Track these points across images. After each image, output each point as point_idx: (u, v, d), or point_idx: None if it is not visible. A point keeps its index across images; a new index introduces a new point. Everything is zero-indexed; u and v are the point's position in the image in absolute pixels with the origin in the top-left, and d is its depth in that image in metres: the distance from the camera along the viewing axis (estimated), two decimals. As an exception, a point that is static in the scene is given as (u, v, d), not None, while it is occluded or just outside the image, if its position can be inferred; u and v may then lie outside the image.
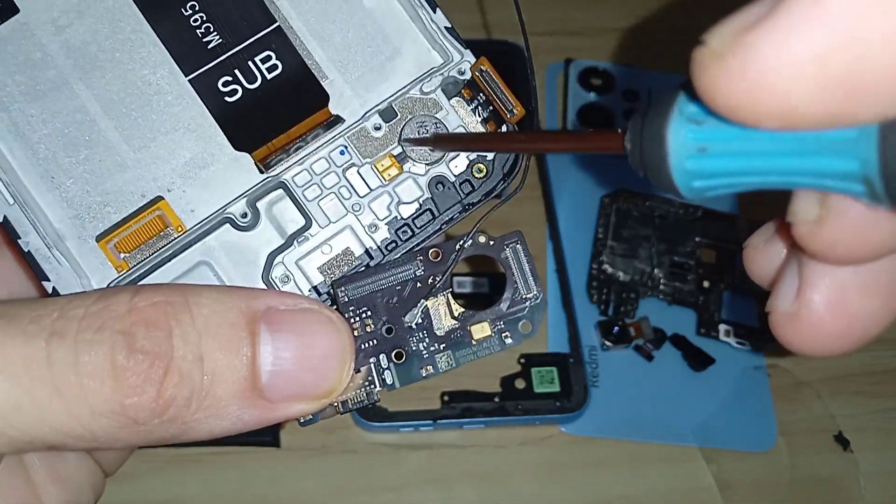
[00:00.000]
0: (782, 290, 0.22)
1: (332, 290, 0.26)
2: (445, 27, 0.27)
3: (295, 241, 0.26)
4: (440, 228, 0.27)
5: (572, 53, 0.65)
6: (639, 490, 0.53)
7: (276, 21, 0.27)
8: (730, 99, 0.16)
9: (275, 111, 0.27)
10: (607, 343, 0.56)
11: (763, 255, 0.24)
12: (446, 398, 0.53)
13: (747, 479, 0.54)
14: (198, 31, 0.27)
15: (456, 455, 0.53)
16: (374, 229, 0.27)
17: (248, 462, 0.52)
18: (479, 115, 0.27)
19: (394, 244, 0.27)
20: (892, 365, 0.58)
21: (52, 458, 0.28)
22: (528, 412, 0.53)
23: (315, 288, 0.27)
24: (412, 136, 0.26)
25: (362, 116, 0.27)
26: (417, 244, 0.27)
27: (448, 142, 0.26)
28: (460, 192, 0.27)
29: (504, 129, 0.27)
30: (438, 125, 0.27)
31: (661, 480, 0.54)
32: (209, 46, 0.27)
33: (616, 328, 0.57)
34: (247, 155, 0.26)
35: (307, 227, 0.26)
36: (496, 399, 0.53)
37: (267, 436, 0.52)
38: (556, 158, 0.62)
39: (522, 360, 0.55)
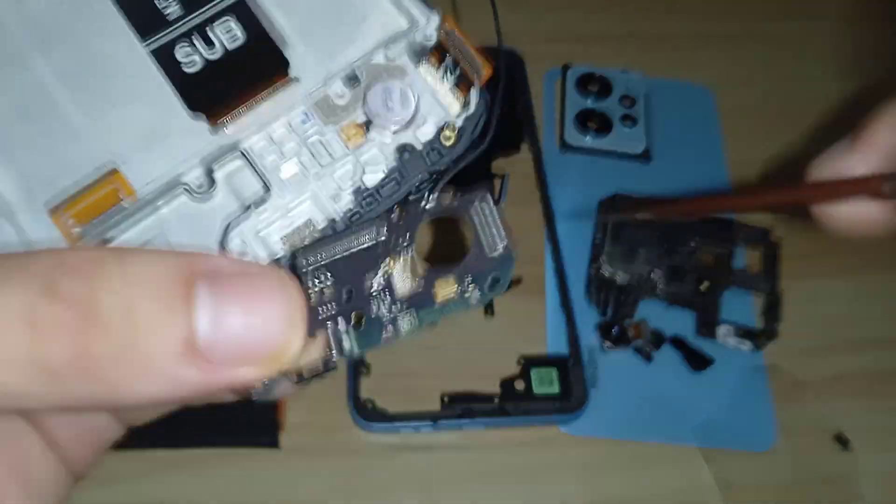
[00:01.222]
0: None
1: (291, 259, 0.25)
2: None
3: (253, 210, 0.25)
4: (406, 194, 0.25)
5: (569, 59, 0.65)
6: (639, 490, 0.52)
7: None
8: None
9: (234, 79, 0.26)
10: (607, 344, 0.55)
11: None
12: (446, 399, 0.52)
13: (747, 479, 0.53)
14: (156, 0, 0.26)
15: (456, 456, 0.52)
16: (337, 198, 0.25)
17: (247, 463, 0.51)
18: (448, 82, 0.26)
19: (358, 214, 0.25)
20: (893, 365, 0.57)
21: (11, 451, 0.26)
22: (528, 413, 0.52)
23: (276, 261, 0.25)
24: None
25: (323, 82, 0.26)
26: (377, 213, 0.25)
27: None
28: (428, 159, 0.26)
29: (473, 91, 0.26)
30: (404, 90, 0.26)
31: (661, 481, 0.52)
32: (168, 16, 0.26)
33: (615, 329, 0.56)
34: (203, 120, 0.25)
35: (266, 195, 0.25)
36: (496, 400, 0.52)
37: (266, 437, 0.51)
38: (553, 159, 0.63)
39: (522, 362, 0.54)
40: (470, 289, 0.24)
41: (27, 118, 0.25)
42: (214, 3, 0.26)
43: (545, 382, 0.54)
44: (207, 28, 0.26)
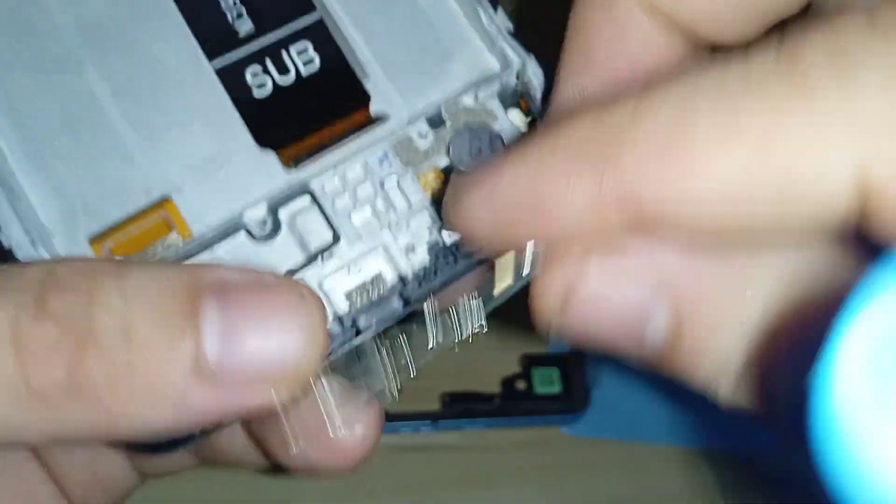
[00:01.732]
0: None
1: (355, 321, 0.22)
2: (508, 29, 0.24)
3: (319, 258, 0.23)
4: (487, 259, 0.23)
5: None
6: (641, 491, 0.52)
7: (317, 9, 0.24)
8: None
9: (307, 108, 0.24)
10: (608, 343, 0.56)
11: None
12: (446, 399, 0.52)
13: (748, 480, 0.53)
14: (228, 14, 0.24)
15: (456, 456, 0.52)
16: (411, 252, 0.23)
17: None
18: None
19: (432, 272, 0.23)
20: None
21: (21, 498, 0.25)
22: (529, 413, 0.52)
23: (339, 318, 0.23)
24: None
25: (407, 121, 0.24)
26: (456, 277, 0.23)
27: None
28: None
29: None
30: (494, 138, 0.23)
31: (663, 481, 0.52)
32: (240, 33, 0.24)
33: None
34: (272, 154, 0.23)
35: (334, 242, 0.23)
36: (497, 400, 0.52)
37: (266, 437, 0.51)
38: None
39: (523, 361, 0.53)
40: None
41: (74, 131, 0.23)
42: (290, 23, 0.24)
43: (546, 382, 0.53)
44: (282, 50, 0.24)
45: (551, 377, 0.53)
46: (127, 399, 0.18)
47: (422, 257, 0.24)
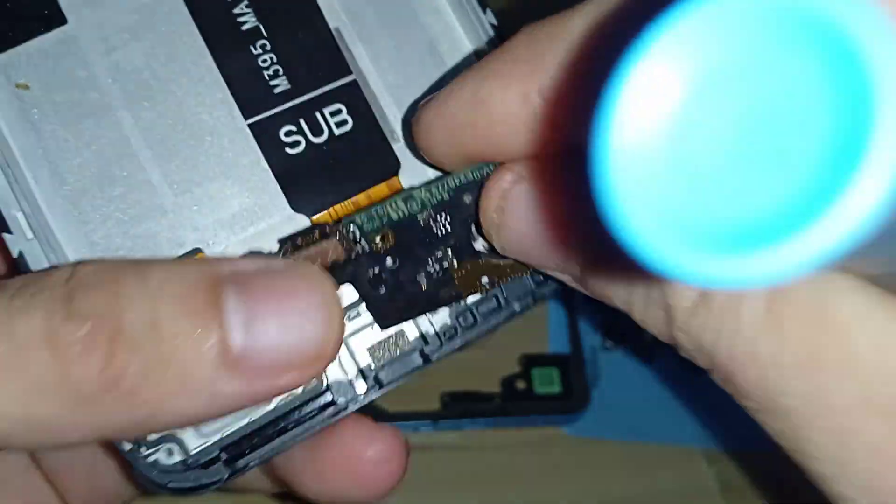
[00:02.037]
0: None
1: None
2: None
3: (347, 316, 0.23)
4: (506, 319, 0.24)
5: None
6: (641, 491, 0.52)
7: (352, 73, 0.24)
8: None
9: (340, 172, 0.24)
10: (609, 343, 0.55)
11: None
12: (446, 399, 0.52)
13: (749, 480, 0.53)
14: (265, 72, 0.24)
15: (456, 456, 0.52)
16: (433, 311, 0.24)
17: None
18: None
19: (453, 331, 0.24)
20: None
21: None
22: (529, 413, 0.52)
23: (361, 371, 0.24)
24: None
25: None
26: (475, 338, 0.24)
27: None
28: (532, 280, 0.24)
29: None
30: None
31: (663, 481, 0.52)
32: (275, 91, 0.24)
33: (617, 328, 0.57)
34: (304, 218, 0.24)
35: (359, 301, 0.23)
36: (497, 400, 0.52)
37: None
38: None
39: (523, 361, 0.53)
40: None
41: (108, 182, 0.23)
42: (325, 84, 0.24)
43: (546, 382, 0.53)
44: (316, 112, 0.24)
45: (551, 377, 0.53)
46: (162, 390, 0.19)
47: (443, 317, 0.24)
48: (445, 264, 0.23)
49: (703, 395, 0.55)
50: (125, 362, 0.19)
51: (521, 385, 0.53)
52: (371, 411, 0.50)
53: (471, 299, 0.24)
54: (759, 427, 0.53)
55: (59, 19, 0.24)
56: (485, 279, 0.23)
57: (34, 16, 0.24)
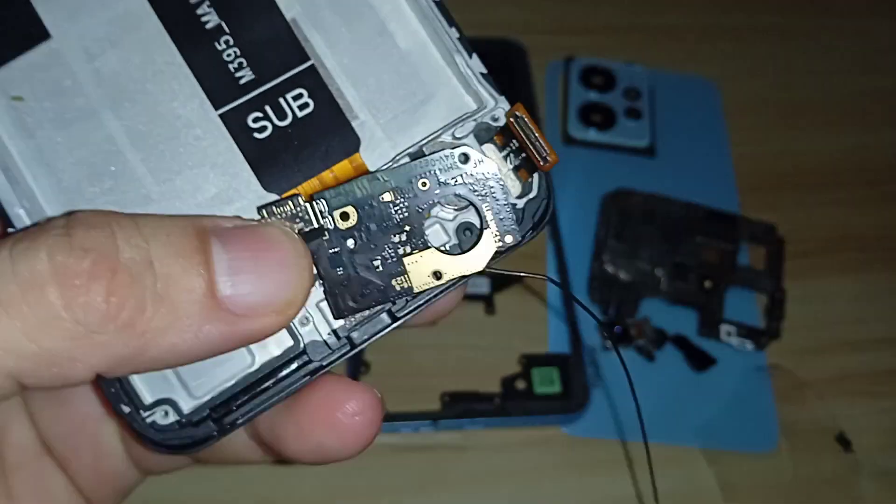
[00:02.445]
0: None
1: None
2: (481, 73, 0.26)
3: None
4: (465, 278, 0.25)
5: (573, 51, 0.64)
6: (640, 490, 0.52)
7: (310, 59, 0.26)
8: None
9: (305, 151, 0.26)
10: (608, 343, 0.55)
11: None
12: (446, 399, 0.52)
13: (749, 481, 0.53)
14: (230, 65, 0.26)
15: (456, 456, 0.52)
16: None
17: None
18: (511, 163, 0.26)
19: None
20: (894, 365, 0.57)
21: (40, 493, 0.27)
22: (529, 413, 0.52)
23: (335, 331, 0.26)
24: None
25: (392, 159, 0.26)
26: (441, 293, 0.26)
27: None
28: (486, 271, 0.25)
29: (537, 176, 0.26)
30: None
31: (662, 481, 0.53)
32: (241, 82, 0.26)
33: (618, 328, 0.56)
34: (275, 196, 0.26)
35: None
36: (497, 400, 0.52)
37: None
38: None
39: (523, 361, 0.54)
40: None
41: (98, 177, 0.26)
42: (288, 71, 0.26)
43: (546, 382, 0.53)
44: (279, 95, 0.26)
45: (551, 377, 0.53)
46: (155, 324, 0.21)
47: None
48: (400, 251, 0.25)
49: (703, 395, 0.55)
50: (125, 295, 0.20)
51: (521, 385, 0.53)
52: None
53: (421, 290, 0.25)
54: (760, 427, 0.53)
55: (43, 35, 0.26)
56: (434, 271, 0.25)
57: (21, 34, 0.26)
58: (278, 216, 0.24)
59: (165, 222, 0.22)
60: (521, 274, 0.26)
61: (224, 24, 0.26)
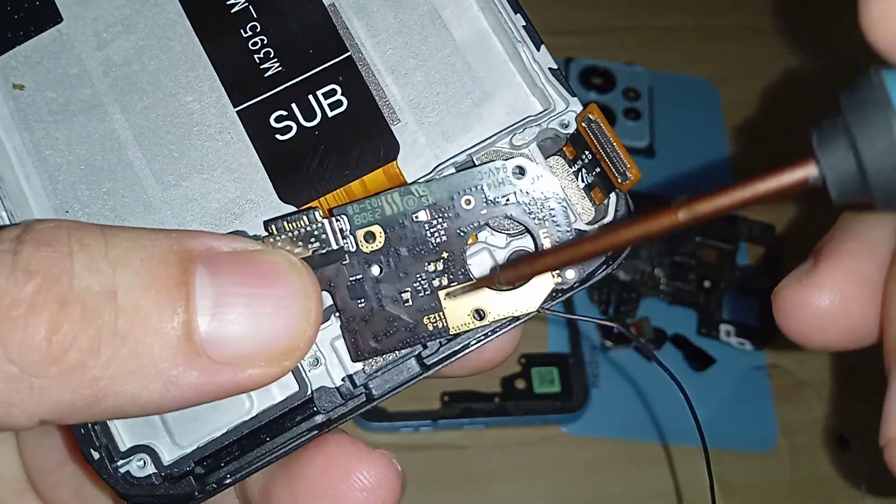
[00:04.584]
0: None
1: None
2: (550, 68, 0.22)
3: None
4: (516, 321, 0.21)
5: (573, 52, 0.63)
6: (639, 490, 0.52)
7: (348, 51, 0.22)
8: None
9: (333, 158, 0.22)
10: (608, 343, 0.55)
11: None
12: (446, 398, 0.51)
13: (748, 480, 0.53)
14: (256, 56, 0.22)
15: (456, 455, 0.51)
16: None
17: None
18: (583, 180, 0.21)
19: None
20: None
21: None
22: (529, 412, 0.52)
23: (350, 377, 0.21)
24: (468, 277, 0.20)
25: (433, 170, 0.22)
26: (484, 338, 0.21)
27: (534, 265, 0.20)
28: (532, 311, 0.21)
29: (612, 199, 0.21)
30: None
31: (661, 481, 0.52)
32: (266, 74, 0.22)
33: (617, 328, 0.57)
34: (292, 209, 0.21)
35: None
36: (496, 399, 0.52)
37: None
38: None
39: (523, 361, 0.53)
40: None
41: (96, 178, 0.22)
42: (321, 64, 0.23)
43: (546, 381, 0.53)
44: (308, 91, 0.22)
45: (551, 376, 0.53)
46: (113, 370, 0.17)
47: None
48: (435, 282, 0.21)
49: (702, 395, 0.55)
50: (73, 331, 0.16)
51: (520, 384, 0.53)
52: (373, 409, 0.50)
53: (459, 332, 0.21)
54: (759, 427, 0.53)
55: (55, 17, 0.23)
56: (475, 310, 0.21)
57: (32, 15, 0.23)
58: (289, 233, 0.20)
59: (145, 241, 0.17)
60: (586, 319, 0.23)
61: (252, 8, 0.23)
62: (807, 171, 0.16)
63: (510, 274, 0.20)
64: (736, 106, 0.65)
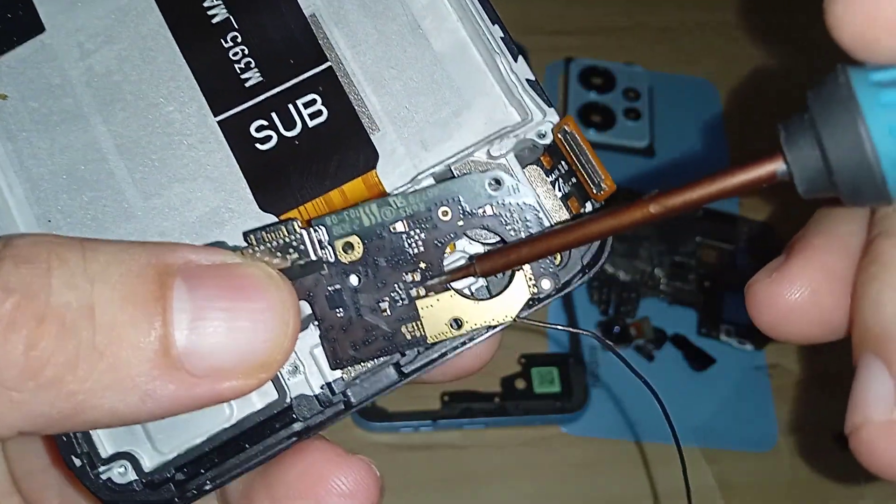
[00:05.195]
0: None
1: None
2: (527, 79, 0.22)
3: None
4: (492, 329, 0.21)
5: (572, 52, 0.63)
6: (639, 490, 0.52)
7: (328, 60, 0.23)
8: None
9: (313, 167, 0.22)
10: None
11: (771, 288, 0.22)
12: (446, 398, 0.51)
13: (748, 480, 0.53)
14: (236, 66, 0.23)
15: (456, 455, 0.51)
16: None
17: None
18: (560, 189, 0.22)
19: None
20: None
21: None
22: (529, 412, 0.52)
23: (329, 385, 0.21)
24: (435, 277, 0.20)
25: (412, 180, 0.22)
26: (461, 346, 0.21)
27: (502, 259, 0.20)
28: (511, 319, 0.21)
29: (588, 208, 0.21)
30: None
31: (661, 481, 0.52)
32: (247, 84, 0.23)
33: (616, 328, 0.54)
34: (273, 218, 0.22)
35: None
36: (496, 399, 0.52)
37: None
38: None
39: (523, 361, 0.53)
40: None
41: (78, 188, 0.23)
42: (300, 74, 0.23)
43: (546, 381, 0.53)
44: (288, 101, 0.23)
45: (551, 376, 0.53)
46: (90, 384, 0.17)
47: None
48: (413, 292, 0.21)
49: (702, 395, 0.55)
50: (51, 347, 0.17)
51: (520, 384, 0.53)
52: (367, 408, 0.50)
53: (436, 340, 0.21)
54: (759, 427, 0.53)
55: (37, 27, 0.24)
56: (453, 319, 0.21)
57: (14, 25, 0.24)
58: (268, 244, 0.20)
59: (123, 256, 0.18)
60: (560, 328, 0.23)
61: (233, 19, 0.23)
62: (775, 166, 0.17)
63: (486, 264, 0.20)
64: (736, 106, 0.65)
